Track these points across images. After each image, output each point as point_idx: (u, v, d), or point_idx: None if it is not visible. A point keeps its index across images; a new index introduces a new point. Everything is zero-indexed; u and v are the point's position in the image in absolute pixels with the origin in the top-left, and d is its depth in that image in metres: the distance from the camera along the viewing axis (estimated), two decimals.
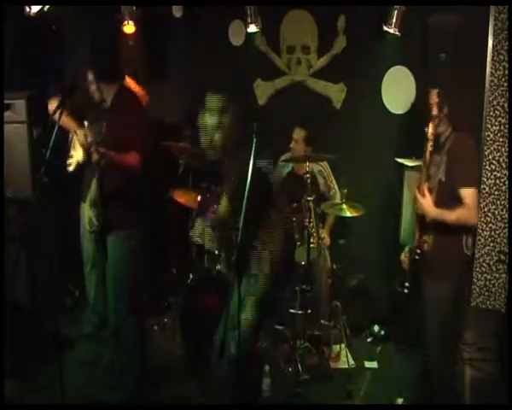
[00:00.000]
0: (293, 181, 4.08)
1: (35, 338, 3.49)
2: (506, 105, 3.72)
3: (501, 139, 3.79)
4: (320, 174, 4.12)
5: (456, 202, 2.65)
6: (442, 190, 2.72)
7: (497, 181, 3.82)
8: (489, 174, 3.82)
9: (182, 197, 3.98)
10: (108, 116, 3.06)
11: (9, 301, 3.37)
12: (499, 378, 3.01)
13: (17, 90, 3.77)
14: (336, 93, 4.45)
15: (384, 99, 4.21)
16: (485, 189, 3.85)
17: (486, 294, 3.90)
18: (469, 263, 3.05)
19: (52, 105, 3.16)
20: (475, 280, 3.88)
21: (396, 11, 3.80)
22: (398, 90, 4.14)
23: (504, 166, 3.79)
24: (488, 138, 3.82)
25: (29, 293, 3.77)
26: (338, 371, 3.68)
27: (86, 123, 2.96)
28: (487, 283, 3.90)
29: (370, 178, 4.22)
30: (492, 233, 3.85)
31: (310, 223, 3.72)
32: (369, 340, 4.16)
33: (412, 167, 3.85)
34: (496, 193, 3.82)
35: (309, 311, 3.71)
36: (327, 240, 4.06)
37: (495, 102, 3.77)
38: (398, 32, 3.84)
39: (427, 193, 2.72)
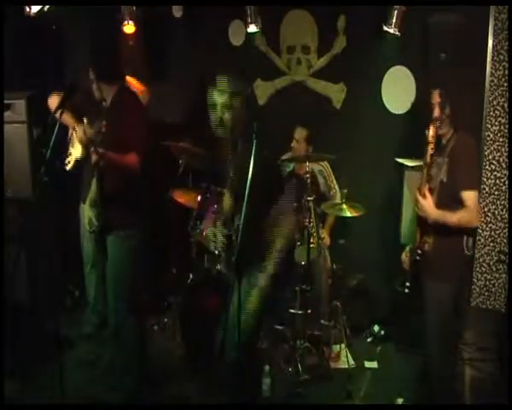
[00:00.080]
0: (293, 181, 4.08)
1: (35, 338, 3.49)
2: (506, 105, 3.72)
3: (501, 139, 3.79)
4: (320, 174, 4.12)
5: (458, 203, 2.65)
6: (443, 192, 2.72)
7: (497, 181, 3.81)
8: (489, 174, 3.82)
9: (182, 197, 3.98)
10: (108, 116, 3.06)
11: (9, 301, 3.37)
12: (499, 378, 3.00)
13: (17, 90, 3.77)
14: (336, 93, 4.45)
15: (384, 99, 4.21)
16: (485, 189, 3.84)
17: (486, 294, 3.89)
18: (470, 264, 3.05)
19: (52, 101, 3.17)
20: (475, 280, 3.88)
21: (396, 11, 3.79)
22: (398, 90, 4.14)
23: (504, 166, 3.79)
24: (488, 138, 3.82)
25: (29, 293, 3.77)
26: (338, 371, 3.68)
27: (85, 119, 2.97)
28: (487, 283, 3.90)
29: (370, 178, 4.22)
30: (492, 233, 3.85)
31: (310, 223, 3.72)
32: (369, 340, 4.16)
33: (412, 167, 3.85)
34: (496, 193, 3.82)
35: (309, 311, 3.71)
36: (327, 240, 4.06)
37: (495, 102, 3.77)
38: (398, 32, 3.84)
39: (428, 194, 2.71)
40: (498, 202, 3.83)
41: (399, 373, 3.67)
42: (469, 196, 2.62)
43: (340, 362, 3.79)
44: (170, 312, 4.16)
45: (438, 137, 2.75)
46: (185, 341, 3.72)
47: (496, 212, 3.83)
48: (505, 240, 3.81)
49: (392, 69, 4.15)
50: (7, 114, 3.63)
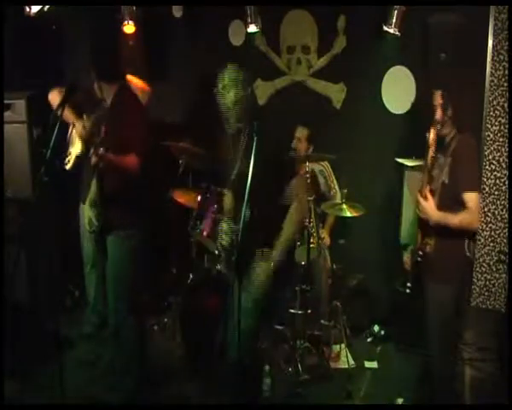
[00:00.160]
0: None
1: (35, 338, 3.49)
2: (506, 105, 3.71)
3: (501, 139, 3.78)
4: (321, 174, 4.12)
5: (459, 205, 2.64)
6: (445, 193, 2.71)
7: (497, 181, 3.81)
8: (489, 174, 3.81)
9: (182, 197, 3.98)
10: (108, 117, 3.06)
11: (9, 301, 3.37)
12: (499, 378, 3.00)
13: (17, 90, 3.77)
14: (336, 93, 4.45)
15: (384, 99, 4.21)
16: (485, 189, 3.84)
17: (486, 294, 3.89)
18: (471, 266, 3.04)
19: (52, 96, 3.17)
20: (475, 280, 3.87)
21: (396, 11, 3.79)
22: (398, 90, 4.14)
23: (504, 166, 3.78)
24: (488, 138, 3.81)
25: (29, 293, 3.77)
26: (338, 371, 3.69)
27: (85, 116, 2.98)
28: (487, 283, 3.89)
29: (370, 178, 4.22)
30: (492, 233, 3.84)
31: (310, 223, 3.73)
32: (369, 340, 4.16)
33: (412, 167, 3.86)
34: (496, 193, 3.82)
35: (309, 311, 3.72)
36: (327, 240, 4.06)
37: (495, 102, 3.76)
38: (398, 32, 3.84)
39: (429, 196, 2.70)
40: (498, 202, 3.82)
41: (399, 373, 3.67)
42: (471, 198, 2.61)
43: (340, 362, 3.79)
44: (170, 312, 4.16)
45: (440, 137, 2.74)
46: (185, 341, 3.72)
47: (496, 212, 3.82)
48: (505, 240, 3.80)
49: (392, 69, 4.15)
50: (7, 114, 3.63)
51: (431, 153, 2.73)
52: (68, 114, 3.00)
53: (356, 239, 4.16)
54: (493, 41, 3.70)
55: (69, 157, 3.13)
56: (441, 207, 2.69)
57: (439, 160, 2.77)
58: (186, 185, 4.21)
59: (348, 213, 3.65)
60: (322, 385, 3.53)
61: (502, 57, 3.71)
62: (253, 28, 4.41)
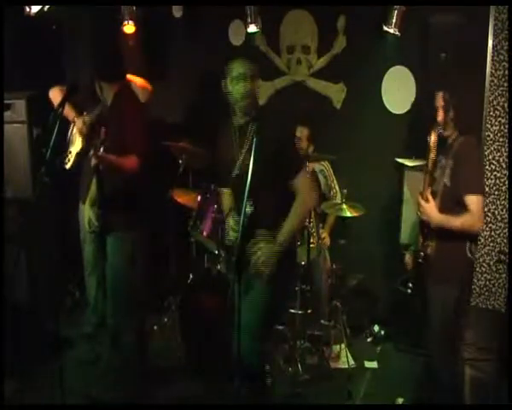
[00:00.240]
0: None
1: (35, 338, 3.49)
2: (506, 105, 3.72)
3: (501, 139, 3.78)
4: (321, 173, 4.12)
5: (461, 207, 2.62)
6: (447, 195, 2.70)
7: (497, 181, 3.81)
8: (489, 174, 3.82)
9: (182, 197, 3.98)
10: (108, 116, 3.07)
11: (9, 301, 3.38)
12: (499, 378, 3.00)
13: (17, 90, 3.77)
14: (336, 93, 4.45)
15: (384, 99, 4.20)
16: (485, 189, 3.84)
17: (486, 294, 3.89)
18: (472, 267, 3.04)
19: (53, 94, 3.17)
20: (475, 280, 3.88)
21: (396, 11, 3.79)
22: (398, 90, 4.14)
23: (504, 166, 3.79)
24: (488, 138, 3.81)
25: (29, 293, 3.77)
26: (338, 371, 3.68)
27: (85, 113, 2.98)
28: (487, 283, 3.90)
29: (370, 178, 4.21)
30: (492, 233, 3.85)
31: (310, 223, 3.73)
32: (369, 340, 4.16)
33: (412, 167, 3.86)
34: (496, 193, 3.82)
35: (309, 311, 3.72)
36: (327, 240, 4.05)
37: (495, 102, 3.77)
38: (398, 32, 3.84)
39: (430, 198, 2.70)
40: (498, 202, 3.83)
41: (399, 373, 3.67)
42: (473, 201, 2.59)
43: (340, 362, 3.79)
44: (170, 312, 4.16)
45: (442, 139, 2.73)
46: (185, 341, 3.72)
47: (496, 212, 3.83)
48: (505, 240, 3.80)
49: (392, 69, 4.14)
50: (7, 114, 3.63)
51: (432, 155, 2.72)
52: (69, 111, 3.01)
53: (356, 239, 4.16)
54: (493, 41, 3.71)
55: (69, 156, 3.13)
56: (443, 209, 2.68)
57: (441, 161, 2.76)
58: (186, 185, 4.21)
59: (348, 213, 3.65)
60: (322, 385, 3.53)
61: (502, 57, 3.72)
62: (253, 28, 4.40)
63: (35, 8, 4.01)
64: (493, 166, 3.82)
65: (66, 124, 3.09)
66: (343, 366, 3.72)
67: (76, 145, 3.09)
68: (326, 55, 4.44)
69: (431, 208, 2.68)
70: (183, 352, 3.71)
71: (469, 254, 2.73)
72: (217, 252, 3.65)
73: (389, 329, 4.16)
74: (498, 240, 3.84)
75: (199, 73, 4.85)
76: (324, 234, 4.04)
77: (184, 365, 3.65)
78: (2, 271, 3.35)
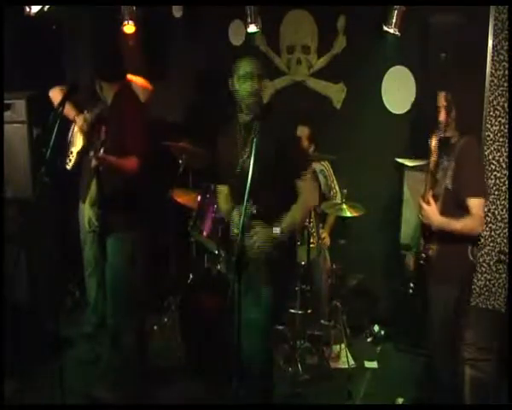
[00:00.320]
0: None
1: (35, 338, 3.49)
2: (506, 105, 3.72)
3: (501, 139, 3.79)
4: (321, 173, 4.12)
5: (463, 210, 2.61)
6: (448, 198, 2.69)
7: (497, 181, 3.81)
8: (489, 174, 3.82)
9: (182, 197, 3.98)
10: (108, 116, 3.07)
11: (9, 301, 3.38)
12: (499, 378, 3.00)
13: (17, 90, 3.77)
14: (336, 93, 4.45)
15: (384, 99, 4.21)
16: None
17: (486, 294, 3.89)
18: (474, 269, 3.04)
19: (54, 94, 3.17)
20: (475, 280, 3.88)
21: (396, 11, 3.79)
22: (398, 90, 4.14)
23: (504, 166, 3.79)
24: (488, 138, 3.81)
25: (29, 293, 3.77)
26: (338, 371, 3.68)
27: (86, 111, 2.99)
28: (487, 283, 3.90)
29: (370, 178, 4.21)
30: (492, 233, 3.85)
31: (310, 223, 3.73)
32: (369, 340, 4.16)
33: (412, 167, 3.86)
34: (496, 193, 3.82)
35: (309, 311, 3.71)
36: (327, 240, 4.05)
37: (495, 102, 3.77)
38: (398, 32, 3.84)
39: (431, 201, 2.69)
40: (498, 202, 3.83)
41: (399, 373, 3.67)
42: (474, 204, 2.58)
43: (340, 362, 3.79)
44: (170, 312, 4.16)
45: (444, 139, 2.73)
46: (185, 341, 3.72)
47: (496, 212, 3.83)
48: (505, 240, 3.80)
49: (392, 69, 4.14)
50: (7, 114, 3.63)
51: (433, 159, 2.72)
52: (69, 110, 3.01)
53: (356, 239, 4.16)
54: (493, 41, 3.71)
55: (70, 157, 3.13)
56: (444, 211, 2.67)
57: (443, 163, 2.74)
58: (186, 185, 4.21)
59: (348, 213, 3.64)
60: (322, 385, 3.53)
61: (502, 57, 3.72)
62: (253, 28, 4.40)
63: (35, 8, 4.01)
64: (493, 166, 3.82)
65: (66, 124, 3.09)
66: (343, 366, 3.72)
67: (77, 145, 3.09)
68: (326, 55, 4.44)
69: (432, 211, 2.68)
70: (183, 352, 3.71)
71: (471, 257, 2.72)
72: (217, 252, 3.65)
73: (389, 329, 4.15)
74: (498, 240, 3.84)
75: (199, 73, 4.85)
76: (324, 234, 4.04)
77: (184, 365, 3.65)
78: (2, 271, 3.35)
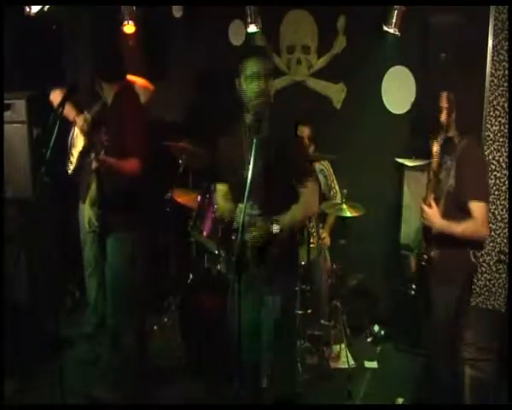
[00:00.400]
0: None
1: (35, 338, 3.49)
2: (506, 105, 3.72)
3: (501, 139, 3.79)
4: (321, 173, 4.12)
5: (465, 213, 2.60)
6: (451, 200, 2.68)
7: (497, 181, 3.81)
8: (489, 174, 3.82)
9: (182, 197, 3.98)
10: (108, 117, 3.07)
11: (9, 301, 3.38)
12: (499, 378, 3.00)
13: (17, 90, 3.77)
14: (336, 93, 4.45)
15: (384, 99, 4.21)
16: None
17: (486, 294, 3.89)
18: (476, 271, 3.04)
19: (54, 96, 3.17)
20: (475, 280, 3.88)
21: (396, 11, 3.79)
22: (398, 90, 4.14)
23: (504, 166, 3.79)
24: (488, 138, 3.81)
25: (29, 293, 3.77)
26: (338, 371, 3.68)
27: (86, 111, 2.99)
28: (487, 283, 3.90)
29: (370, 178, 4.21)
30: (492, 233, 3.85)
31: (310, 223, 3.73)
32: (369, 340, 4.16)
33: (412, 167, 3.86)
34: (496, 193, 3.82)
35: (309, 311, 3.71)
36: (327, 240, 4.05)
37: (495, 102, 3.77)
38: (398, 32, 3.84)
39: (433, 204, 2.69)
40: (498, 202, 3.83)
41: (399, 373, 3.67)
42: (476, 207, 2.57)
43: (340, 362, 3.79)
44: (170, 312, 4.16)
45: (447, 139, 2.72)
46: (185, 341, 3.72)
47: (496, 212, 3.83)
48: (505, 240, 3.80)
49: (392, 69, 4.14)
50: (7, 114, 3.63)
51: (435, 163, 2.71)
52: (69, 111, 3.01)
53: (356, 239, 4.16)
54: (493, 41, 3.71)
55: (72, 159, 3.13)
56: (446, 214, 2.66)
57: (446, 163, 2.73)
58: (186, 185, 4.21)
59: (348, 213, 3.64)
60: (322, 385, 3.53)
61: (502, 57, 3.72)
62: (253, 28, 4.40)
63: (35, 8, 4.01)
64: (493, 166, 3.82)
65: (66, 124, 3.09)
66: (343, 366, 3.72)
67: (78, 147, 3.09)
68: (326, 55, 4.44)
69: (434, 214, 2.67)
70: (183, 352, 3.71)
71: (473, 259, 2.72)
72: (217, 252, 3.65)
73: (389, 329, 4.16)
74: (498, 240, 3.85)
75: (199, 73, 4.85)
76: (324, 234, 4.04)
77: (184, 365, 3.65)
78: (2, 271, 3.35)
